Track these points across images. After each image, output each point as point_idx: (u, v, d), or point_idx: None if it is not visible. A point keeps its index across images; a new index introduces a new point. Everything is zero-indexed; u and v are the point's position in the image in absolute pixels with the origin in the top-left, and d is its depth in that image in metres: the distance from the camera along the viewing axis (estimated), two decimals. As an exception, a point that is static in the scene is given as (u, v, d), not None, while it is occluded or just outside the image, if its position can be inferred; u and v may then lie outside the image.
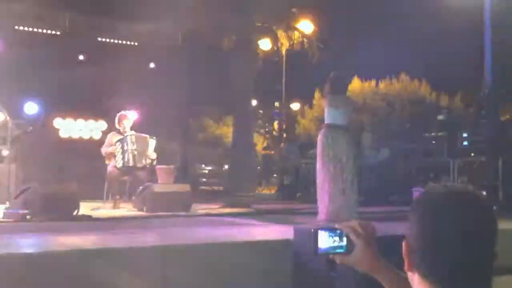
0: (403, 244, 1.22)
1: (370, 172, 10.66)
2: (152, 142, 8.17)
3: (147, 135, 8.24)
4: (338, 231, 1.51)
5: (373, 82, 26.55)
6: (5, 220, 5.83)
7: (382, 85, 26.24)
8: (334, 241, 1.51)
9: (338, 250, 1.51)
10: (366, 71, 25.92)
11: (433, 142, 10.11)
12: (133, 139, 8.02)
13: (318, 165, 6.24)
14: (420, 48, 24.57)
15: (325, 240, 1.51)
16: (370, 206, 8.64)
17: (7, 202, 6.63)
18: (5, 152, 9.28)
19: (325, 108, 6.59)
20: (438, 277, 1.14)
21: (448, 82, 23.92)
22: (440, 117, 11.42)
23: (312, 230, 1.49)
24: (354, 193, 6.25)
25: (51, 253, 3.41)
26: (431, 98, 24.82)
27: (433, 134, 10.41)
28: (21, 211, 5.92)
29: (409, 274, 1.22)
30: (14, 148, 8.17)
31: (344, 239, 1.50)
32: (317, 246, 1.50)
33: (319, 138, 6.35)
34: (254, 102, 22.10)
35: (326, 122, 6.46)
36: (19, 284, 3.04)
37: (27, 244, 4.07)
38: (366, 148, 11.99)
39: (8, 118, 7.66)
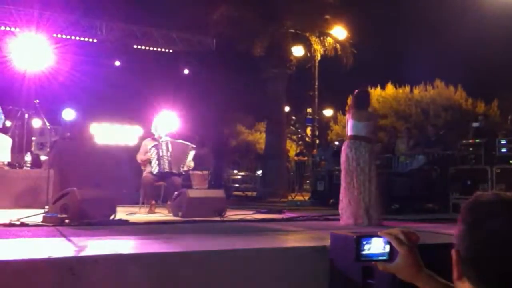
0: (452, 252, 1.20)
1: (405, 180, 10.53)
2: (191, 153, 8.22)
3: (188, 144, 8.29)
4: (380, 239, 1.51)
5: (407, 88, 26.25)
6: (44, 224, 5.94)
7: (416, 91, 25.91)
8: (377, 248, 1.51)
9: (380, 257, 1.50)
10: (400, 77, 25.65)
11: (470, 149, 9.94)
12: (168, 145, 8.10)
13: (342, 175, 6.96)
14: (456, 54, 24.20)
15: (367, 248, 1.51)
16: (405, 214, 8.55)
17: (46, 207, 6.76)
18: (44, 158, 9.52)
19: (348, 121, 7.08)
20: (489, 286, 1.12)
21: (484, 88, 23.50)
22: (475, 124, 11.21)
23: (355, 237, 1.49)
24: (376, 203, 6.71)
25: (89, 257, 3.46)
26: (467, 104, 24.41)
27: (470, 141, 10.23)
28: (59, 215, 6.04)
29: (458, 283, 1.20)
30: (53, 154, 8.34)
31: (387, 246, 1.50)
32: (359, 253, 1.50)
33: (343, 149, 7.00)
34: (286, 108, 22.09)
35: (349, 134, 7.01)
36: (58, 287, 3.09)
37: (65, 248, 4.14)
38: (400, 155, 11.87)
39: (46, 124, 7.83)
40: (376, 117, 7.57)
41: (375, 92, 27.34)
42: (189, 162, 8.22)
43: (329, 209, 10.19)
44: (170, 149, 8.05)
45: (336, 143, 16.37)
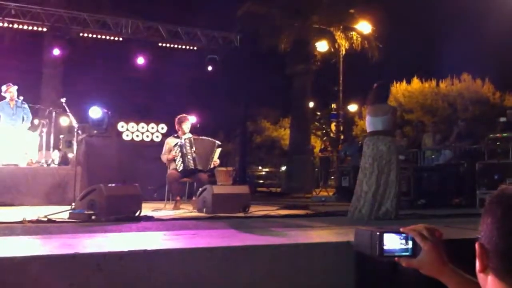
0: (477, 245, 1.20)
1: (431, 175, 10.41)
2: (218, 150, 8.24)
3: (214, 141, 8.31)
4: (404, 234, 1.50)
5: (433, 82, 25.95)
6: (71, 220, 6.04)
7: (442, 85, 25.60)
8: (400, 244, 1.50)
9: (404, 253, 1.50)
10: (426, 71, 25.36)
11: (498, 143, 9.78)
12: (192, 142, 8.11)
13: (360, 172, 6.94)
14: (483, 47, 23.80)
15: (390, 243, 1.50)
16: (433, 209, 8.46)
17: (73, 203, 6.87)
18: (71, 155, 9.66)
19: (366, 117, 7.07)
20: None
21: (513, 82, 23.10)
22: (503, 119, 11.02)
23: (378, 233, 1.49)
24: (395, 196, 6.65)
25: (115, 253, 3.49)
26: (495, 98, 24.03)
27: (497, 135, 10.07)
28: (86, 212, 6.12)
29: (481, 276, 1.20)
30: (80, 151, 8.45)
31: (410, 242, 1.49)
32: (382, 249, 1.49)
33: (364, 147, 7.02)
34: (311, 104, 22.01)
35: (368, 130, 7.00)
36: (85, 284, 3.13)
37: (92, 244, 4.20)
38: (427, 150, 11.74)
39: (74, 122, 7.94)
40: (394, 110, 7.33)
41: (401, 87, 27.09)
42: (216, 160, 8.23)
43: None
44: (194, 146, 8.07)
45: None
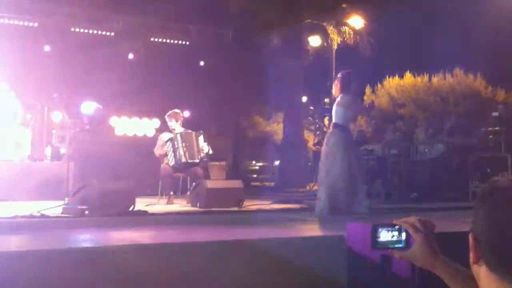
0: (470, 236, 1.21)
1: (424, 168, 10.46)
2: (200, 138, 8.24)
3: (192, 131, 8.33)
4: (396, 227, 1.51)
5: (425, 77, 26.00)
6: (64, 215, 6.03)
7: (435, 79, 25.66)
8: (393, 236, 1.51)
9: (397, 245, 1.51)
10: (418, 65, 25.42)
11: (490, 137, 9.83)
12: (182, 136, 8.14)
13: (322, 163, 6.68)
14: (475, 41, 23.87)
15: (383, 235, 1.51)
16: (425, 203, 8.51)
17: (66, 198, 6.85)
18: (64, 150, 9.63)
19: (334, 106, 6.86)
20: (508, 269, 1.13)
21: (505, 76, 23.16)
22: (495, 114, 11.07)
23: (371, 225, 1.50)
24: (357, 190, 6.52)
25: (108, 248, 3.50)
26: (487, 92, 24.12)
27: (489, 129, 10.12)
28: (79, 207, 6.12)
29: (475, 267, 1.21)
30: (72, 146, 8.43)
31: (403, 234, 1.51)
32: (376, 241, 1.51)
33: (327, 137, 6.86)
34: (304, 99, 22.00)
35: (334, 121, 6.79)
36: (78, 278, 3.14)
37: (85, 239, 4.21)
38: (419, 144, 11.79)
39: (66, 117, 7.91)
40: (361, 103, 7.28)
41: (394, 81, 27.15)
42: (203, 146, 8.22)
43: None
44: (184, 140, 8.08)
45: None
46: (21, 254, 3.20)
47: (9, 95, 9.58)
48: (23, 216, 5.67)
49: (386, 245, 1.53)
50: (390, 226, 1.53)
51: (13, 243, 3.90)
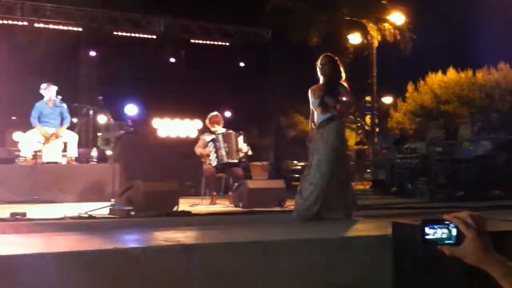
0: None
1: (469, 166, 10.23)
2: (240, 138, 8.31)
3: (232, 132, 8.40)
4: (447, 222, 1.49)
5: (469, 72, 25.45)
6: (111, 216, 6.16)
7: (479, 75, 25.09)
8: (443, 232, 1.49)
9: (447, 241, 1.48)
10: (461, 61, 24.90)
11: (539, 133, 9.55)
12: (224, 136, 8.24)
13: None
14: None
15: (432, 232, 1.49)
16: (471, 201, 8.33)
17: (112, 200, 6.99)
18: (109, 152, 9.85)
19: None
20: None
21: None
22: None
23: (420, 222, 1.48)
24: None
25: (153, 247, 3.55)
26: (534, 87, 23.45)
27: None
28: (125, 208, 6.24)
29: None
30: (117, 148, 8.60)
31: (454, 230, 1.48)
32: (425, 238, 1.48)
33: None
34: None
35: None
36: (123, 278, 3.19)
37: (131, 239, 4.28)
38: (464, 141, 11.54)
39: (111, 120, 8.08)
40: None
41: (436, 78, 26.67)
42: (242, 146, 8.28)
43: (391, 197, 10.05)
44: (226, 141, 8.19)
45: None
46: (69, 254, 3.28)
47: (56, 100, 9.83)
48: (71, 217, 5.81)
49: (435, 241, 1.50)
50: (440, 222, 1.50)
51: (62, 243, 4.00)
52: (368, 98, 23.15)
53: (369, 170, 16.97)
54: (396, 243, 3.55)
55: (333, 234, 4.34)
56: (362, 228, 5.14)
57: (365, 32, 18.62)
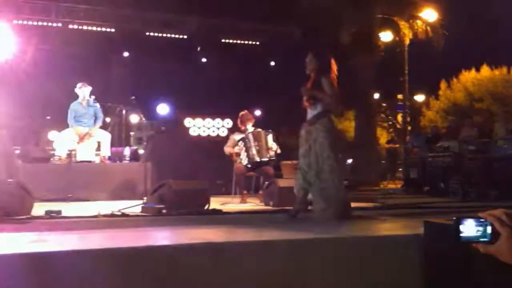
0: None
1: (504, 165, 10.04)
2: (270, 136, 8.34)
3: (261, 130, 8.43)
4: (481, 220, 1.48)
5: (504, 69, 24.95)
6: (143, 214, 6.25)
7: (514, 71, 24.58)
8: (478, 230, 1.48)
9: (482, 239, 1.48)
10: (495, 58, 24.43)
11: None
12: (254, 135, 8.27)
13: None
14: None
15: (467, 230, 1.48)
16: (505, 201, 8.18)
17: (144, 198, 7.09)
18: (141, 151, 9.98)
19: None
20: None
21: None
22: None
23: (454, 219, 1.48)
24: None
25: (185, 245, 3.59)
26: None
27: None
28: (157, 206, 6.32)
29: None
30: (149, 147, 8.71)
31: (488, 228, 1.47)
32: (459, 236, 1.48)
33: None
34: (376, 95, 21.63)
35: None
36: (156, 276, 3.24)
37: (163, 237, 4.33)
38: (498, 139, 11.33)
39: (143, 119, 8.20)
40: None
41: (470, 75, 26.22)
42: (272, 144, 8.32)
43: (423, 197, 9.95)
44: (256, 139, 8.22)
45: None
46: (103, 251, 3.34)
47: (90, 99, 10.01)
48: (104, 215, 5.92)
49: (470, 239, 1.49)
50: (475, 219, 1.49)
51: (96, 241, 4.07)
52: (400, 96, 22.92)
53: (400, 169, 16.82)
54: (428, 242, 3.52)
55: (364, 233, 4.32)
56: (393, 227, 5.10)
57: (396, 30, 18.43)
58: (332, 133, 5.69)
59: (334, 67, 5.92)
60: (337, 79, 5.89)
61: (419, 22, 18.12)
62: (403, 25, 18.22)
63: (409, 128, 20.80)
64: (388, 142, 20.24)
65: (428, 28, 17.88)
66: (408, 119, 21.45)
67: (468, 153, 10.37)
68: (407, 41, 18.82)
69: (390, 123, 25.68)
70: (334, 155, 5.54)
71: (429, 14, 17.81)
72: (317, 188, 5.59)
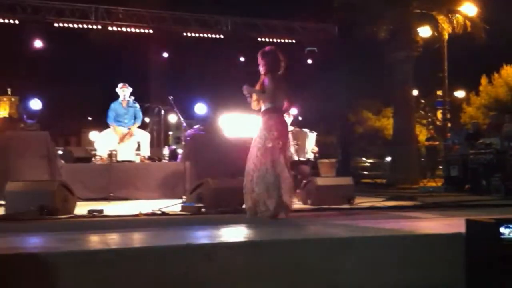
0: None
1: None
2: (312, 137, 8.32)
3: (306, 130, 8.41)
4: None
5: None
6: (183, 213, 6.33)
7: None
8: None
9: None
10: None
11: None
12: (294, 134, 8.26)
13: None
14: None
15: (508, 230, 1.47)
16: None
17: (184, 197, 7.17)
18: (180, 150, 10.09)
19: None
20: None
21: None
22: None
23: (493, 221, 1.47)
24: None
25: (223, 244, 3.62)
26: None
27: None
28: (196, 205, 6.39)
29: None
30: (187, 147, 8.79)
31: None
32: (499, 237, 1.47)
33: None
34: (415, 92, 21.32)
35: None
36: (195, 274, 3.28)
37: (202, 235, 4.38)
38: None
39: (181, 119, 8.29)
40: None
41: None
42: (313, 146, 8.31)
43: (464, 195, 9.77)
44: (295, 139, 8.21)
45: None
46: (144, 250, 3.40)
47: (129, 100, 10.17)
48: (145, 214, 6.02)
49: (510, 241, 1.48)
50: None
51: (137, 239, 4.15)
52: (439, 93, 22.51)
53: (441, 167, 16.54)
54: (470, 241, 3.47)
55: (405, 231, 4.28)
56: (434, 226, 5.04)
57: (435, 25, 18.10)
58: (270, 130, 5.73)
59: (282, 64, 6.03)
60: (285, 77, 6.01)
61: (458, 16, 17.76)
62: (442, 19, 17.88)
63: (449, 125, 20.42)
64: (428, 139, 19.93)
65: (468, 22, 17.50)
66: (448, 115, 21.05)
67: (510, 150, 10.13)
68: (446, 36, 18.47)
69: (430, 120, 25.26)
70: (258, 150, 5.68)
71: (469, 8, 17.43)
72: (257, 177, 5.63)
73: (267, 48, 6.11)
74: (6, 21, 15.66)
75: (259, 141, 5.70)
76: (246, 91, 5.97)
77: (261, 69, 5.99)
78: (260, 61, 6.00)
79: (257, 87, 5.95)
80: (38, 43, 15.81)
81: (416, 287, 3.64)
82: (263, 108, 5.87)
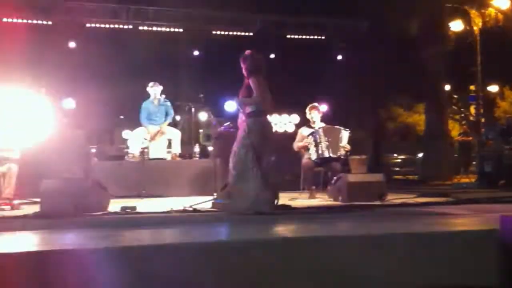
0: None
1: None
2: (345, 134, 8.28)
3: (340, 127, 8.37)
4: None
5: None
6: (213, 210, 6.38)
7: None
8: None
9: None
10: None
11: None
12: (325, 131, 8.23)
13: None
14: None
15: None
16: None
17: (215, 194, 7.23)
18: (210, 148, 10.16)
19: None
20: None
21: None
22: None
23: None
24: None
25: (256, 240, 3.64)
26: None
27: None
28: (226, 202, 6.42)
29: None
30: (218, 144, 8.85)
31: None
32: None
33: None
34: (447, 87, 21.00)
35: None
36: (227, 270, 3.30)
37: (233, 232, 4.41)
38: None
39: (211, 116, 8.34)
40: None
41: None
42: (345, 144, 8.26)
43: (499, 191, 9.60)
44: (327, 135, 8.17)
45: None
46: (176, 246, 3.44)
47: (161, 98, 10.28)
48: (177, 211, 6.10)
49: None
50: None
51: (169, 236, 4.20)
52: (472, 87, 22.13)
53: (474, 163, 16.28)
54: (504, 237, 3.42)
55: (436, 228, 4.24)
56: (468, 222, 4.97)
57: (467, 19, 17.82)
58: (257, 133, 5.99)
59: (262, 65, 6.22)
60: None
61: (491, 10, 17.45)
62: (474, 13, 17.60)
63: (483, 120, 20.06)
64: (460, 134, 19.63)
65: (500, 15, 17.18)
66: (482, 110, 20.69)
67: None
68: (478, 30, 18.17)
69: (462, 115, 24.87)
70: (254, 155, 5.95)
71: (501, 1, 17.11)
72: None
73: (246, 52, 6.27)
74: (40, 22, 15.98)
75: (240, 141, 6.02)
76: (237, 105, 6.14)
77: (244, 72, 6.16)
78: (242, 65, 6.18)
79: (243, 90, 6.12)
80: (71, 44, 16.09)
81: (449, 285, 3.60)
82: (249, 109, 6.04)
